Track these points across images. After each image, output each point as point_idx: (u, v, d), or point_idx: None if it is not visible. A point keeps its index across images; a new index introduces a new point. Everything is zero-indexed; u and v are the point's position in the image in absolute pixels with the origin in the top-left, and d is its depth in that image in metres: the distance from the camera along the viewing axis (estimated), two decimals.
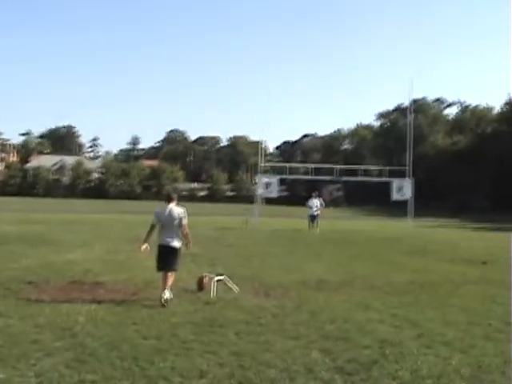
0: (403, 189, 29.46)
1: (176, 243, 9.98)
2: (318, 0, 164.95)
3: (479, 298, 10.90)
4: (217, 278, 11.10)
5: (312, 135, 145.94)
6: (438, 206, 54.13)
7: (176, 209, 10.07)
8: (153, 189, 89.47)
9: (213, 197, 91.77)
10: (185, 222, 10.01)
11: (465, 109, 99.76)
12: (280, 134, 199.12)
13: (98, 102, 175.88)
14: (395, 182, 29.70)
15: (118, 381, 5.85)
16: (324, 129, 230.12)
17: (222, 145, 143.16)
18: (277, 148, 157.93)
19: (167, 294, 9.53)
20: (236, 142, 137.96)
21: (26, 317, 8.43)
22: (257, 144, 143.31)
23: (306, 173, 34.65)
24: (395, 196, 29.64)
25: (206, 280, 11.21)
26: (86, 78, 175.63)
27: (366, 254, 18.37)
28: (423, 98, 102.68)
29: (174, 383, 5.84)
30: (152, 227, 10.09)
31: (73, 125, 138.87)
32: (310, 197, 28.93)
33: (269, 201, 36.85)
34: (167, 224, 9.95)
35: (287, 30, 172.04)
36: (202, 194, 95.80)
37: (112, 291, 10.89)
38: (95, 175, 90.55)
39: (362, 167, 30.72)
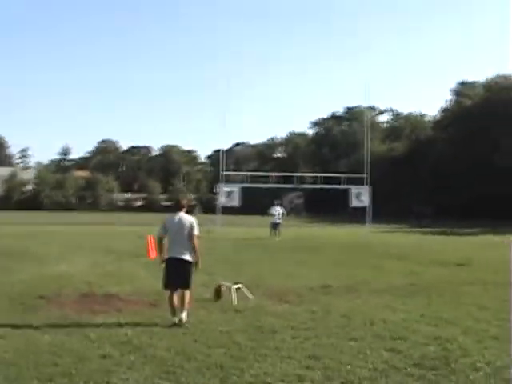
0: (361, 196, 30.21)
1: (188, 256, 8.97)
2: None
3: (487, 297, 11.45)
4: (235, 286, 11.21)
5: (244, 143, 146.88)
6: (382, 211, 55.60)
7: (186, 216, 9.16)
8: (88, 200, 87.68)
9: (149, 207, 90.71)
10: (196, 232, 9.03)
11: (396, 117, 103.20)
12: (211, 142, 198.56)
13: (27, 112, 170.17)
14: (353, 189, 30.43)
15: None
16: (256, 137, 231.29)
17: (153, 154, 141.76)
18: (208, 157, 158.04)
19: (183, 316, 8.79)
20: (168, 151, 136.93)
21: (72, 332, 8.26)
22: (189, 153, 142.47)
23: (266, 182, 35.15)
24: (354, 203, 30.40)
25: (223, 288, 11.30)
26: (13, 87, 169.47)
27: (348, 260, 18.84)
28: (357, 106, 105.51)
29: None
30: (160, 239, 9.24)
31: (1, 135, 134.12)
32: (272, 205, 29.24)
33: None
34: (177, 234, 8.98)
35: (217, 37, 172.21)
36: (139, 204, 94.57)
37: (131, 302, 10.82)
38: (29, 186, 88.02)
39: (322, 175, 31.20)
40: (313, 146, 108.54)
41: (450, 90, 72.06)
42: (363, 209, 32.33)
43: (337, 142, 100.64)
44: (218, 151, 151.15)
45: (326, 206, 63.27)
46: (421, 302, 10.86)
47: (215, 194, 30.72)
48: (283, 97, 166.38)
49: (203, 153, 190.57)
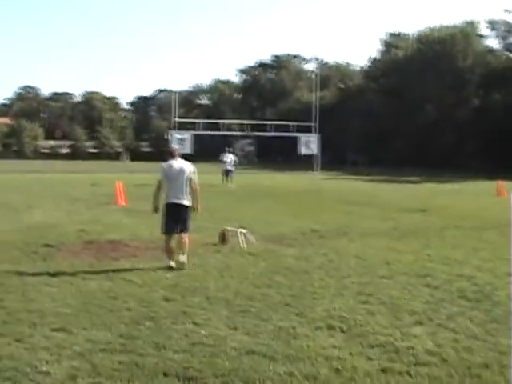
0: (310, 144, 30.84)
1: (187, 201, 9.16)
2: None
3: (474, 240, 12.33)
4: (240, 231, 11.58)
5: (167, 90, 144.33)
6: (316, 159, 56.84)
7: (185, 163, 9.31)
8: (13, 147, 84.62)
9: (75, 154, 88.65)
10: (195, 177, 9.26)
11: (324, 65, 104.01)
12: (133, 88, 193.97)
13: None
14: (302, 138, 30.99)
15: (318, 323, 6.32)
16: (179, 84, 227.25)
17: (76, 101, 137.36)
18: (130, 104, 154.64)
19: (184, 259, 9.00)
20: (90, 98, 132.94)
21: (112, 278, 8.35)
22: (111, 99, 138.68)
23: (217, 129, 35.03)
24: (303, 150, 30.99)
25: (227, 233, 11.66)
26: None
27: (316, 206, 19.51)
28: (286, 55, 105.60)
29: (357, 319, 6.39)
30: (159, 184, 9.32)
31: None
32: (223, 151, 29.40)
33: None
34: (175, 179, 9.11)
35: None
36: (64, 151, 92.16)
37: (140, 248, 10.96)
38: None
39: (273, 123, 31.54)
40: (239, 93, 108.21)
41: (381, 41, 73.20)
42: (310, 156, 32.99)
43: (264, 91, 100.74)
44: (140, 98, 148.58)
45: (276, 153, 63.83)
46: (418, 245, 11.59)
47: (167, 140, 30.34)
48: (208, 43, 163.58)
49: (125, 99, 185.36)
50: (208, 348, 5.44)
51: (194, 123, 32.15)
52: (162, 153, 71.62)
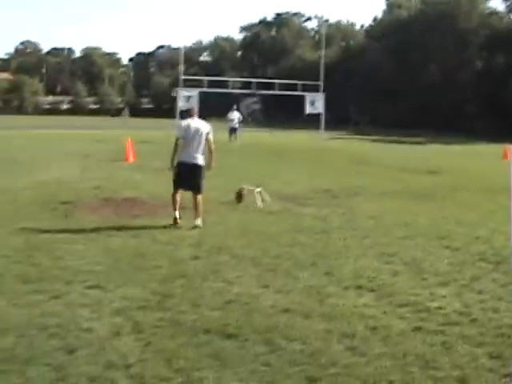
0: (315, 103, 30.73)
1: (201, 160, 9.19)
2: None
3: (486, 202, 12.46)
4: (257, 190, 11.68)
5: (167, 46, 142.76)
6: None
7: (201, 122, 9.34)
8: (14, 102, 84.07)
9: (76, 110, 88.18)
10: (211, 136, 9.29)
11: (325, 23, 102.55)
12: (133, 44, 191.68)
13: None
14: (308, 97, 30.86)
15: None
16: (180, 40, 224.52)
17: (75, 56, 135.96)
18: (130, 60, 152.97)
19: (199, 222, 9.02)
20: (90, 54, 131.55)
21: (137, 235, 8.44)
22: (111, 55, 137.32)
23: (223, 86, 34.79)
24: (309, 109, 30.93)
25: (244, 192, 11.76)
26: None
27: (325, 166, 19.65)
28: (286, 13, 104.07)
29: (384, 279, 6.55)
30: (177, 143, 9.26)
31: None
32: (230, 109, 29.33)
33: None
34: (194, 138, 9.08)
35: None
36: (65, 107, 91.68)
37: (158, 206, 10.96)
38: None
39: (279, 81, 31.33)
40: (240, 51, 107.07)
41: (386, 0, 72.17)
42: (314, 115, 32.88)
43: (265, 49, 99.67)
44: (140, 54, 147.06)
45: (282, 111, 63.49)
46: (432, 206, 11.73)
47: (174, 97, 30.16)
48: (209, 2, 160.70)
49: (125, 55, 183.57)
50: (243, 306, 5.57)
51: (201, 80, 31.79)
52: (163, 109, 71.58)
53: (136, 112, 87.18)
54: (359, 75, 64.01)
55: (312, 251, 7.75)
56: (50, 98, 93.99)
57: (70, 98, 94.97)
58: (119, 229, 8.87)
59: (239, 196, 11.68)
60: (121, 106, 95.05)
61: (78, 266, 6.82)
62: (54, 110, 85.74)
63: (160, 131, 33.93)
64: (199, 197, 9.20)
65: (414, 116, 56.48)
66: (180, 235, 8.56)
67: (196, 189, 9.21)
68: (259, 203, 11.21)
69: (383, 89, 60.33)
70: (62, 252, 7.46)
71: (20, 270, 6.63)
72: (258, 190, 11.70)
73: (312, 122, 37.42)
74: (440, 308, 5.61)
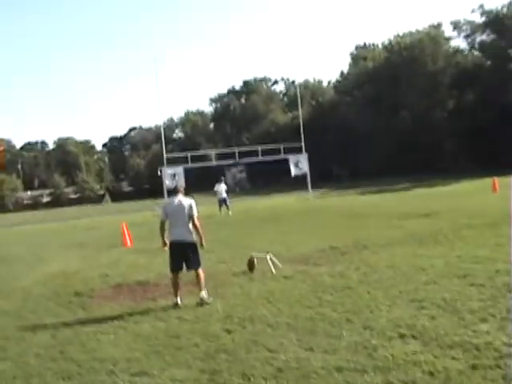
0: (299, 164, 31.16)
1: (191, 237, 9.21)
2: None
3: (491, 237, 12.60)
4: (268, 256, 11.73)
5: (139, 127, 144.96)
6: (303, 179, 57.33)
7: (185, 199, 9.36)
8: None
9: (57, 202, 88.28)
10: (195, 213, 9.21)
11: (292, 85, 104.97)
12: (105, 129, 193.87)
13: None
14: (291, 158, 31.30)
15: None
16: (151, 120, 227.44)
17: (49, 149, 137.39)
18: (104, 145, 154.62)
19: (204, 294, 9.04)
20: (63, 144, 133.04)
21: (162, 318, 8.41)
22: (85, 143, 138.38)
23: (208, 159, 35.23)
24: (294, 171, 31.28)
25: (255, 260, 11.79)
26: None
27: (322, 224, 19.72)
28: (254, 79, 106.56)
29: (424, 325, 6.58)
30: (162, 224, 9.41)
31: None
32: (216, 182, 29.68)
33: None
34: (177, 216, 9.18)
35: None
36: (46, 200, 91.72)
37: (170, 286, 10.93)
38: None
39: (261, 147, 31.85)
40: (213, 122, 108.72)
41: (350, 54, 74.38)
42: (298, 176, 33.27)
43: (237, 117, 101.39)
44: (113, 138, 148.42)
45: (268, 177, 64.04)
46: (442, 248, 11.85)
47: (159, 177, 30.40)
48: (177, 76, 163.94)
49: (99, 141, 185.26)
50: (295, 371, 5.57)
51: (184, 157, 32.23)
52: (143, 190, 71.80)
53: (117, 196, 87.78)
54: (334, 130, 65.26)
55: (342, 308, 7.78)
56: (29, 193, 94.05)
57: (48, 190, 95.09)
58: (142, 313, 8.83)
59: (251, 265, 11.70)
60: (101, 192, 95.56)
61: (114, 356, 6.76)
62: (34, 205, 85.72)
63: (147, 212, 34.13)
64: (199, 271, 9.21)
65: (392, 163, 57.39)
66: (206, 311, 8.54)
67: (193, 264, 9.23)
68: (273, 269, 11.24)
69: (359, 140, 61.44)
70: (93, 344, 7.40)
71: (57, 367, 6.57)
72: (269, 256, 11.73)
73: (298, 182, 37.89)
74: (489, 343, 5.65)
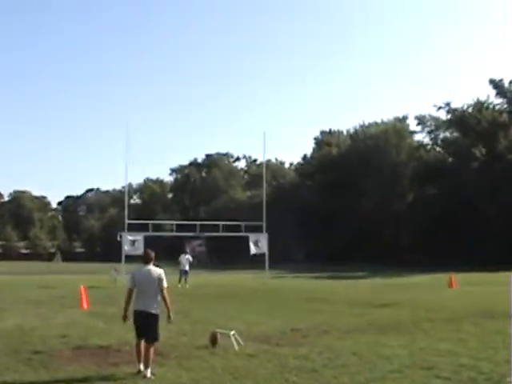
0: (259, 243, 31.43)
1: (155, 309, 9.00)
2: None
3: (452, 332, 12.94)
4: (231, 333, 11.74)
5: (96, 189, 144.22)
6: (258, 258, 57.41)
7: (155, 269, 9.12)
8: None
9: (7, 255, 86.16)
10: (164, 284, 9.06)
11: (253, 163, 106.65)
12: (61, 187, 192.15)
13: None
14: (252, 237, 31.57)
15: None
16: (109, 183, 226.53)
17: (3, 200, 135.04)
18: (59, 203, 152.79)
19: (148, 374, 8.70)
20: (18, 197, 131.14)
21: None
22: (40, 199, 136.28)
23: (169, 229, 35.35)
24: (253, 250, 31.47)
25: (218, 336, 11.79)
26: None
27: (281, 305, 19.73)
28: (216, 153, 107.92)
29: None
30: (129, 292, 9.10)
31: None
32: (182, 253, 29.84)
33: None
34: (145, 286, 8.96)
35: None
36: None
37: (132, 353, 10.79)
38: None
39: (222, 223, 32.12)
40: (171, 193, 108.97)
41: (314, 139, 76.28)
42: (256, 255, 33.53)
43: (196, 190, 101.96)
44: (69, 197, 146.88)
45: (227, 252, 63.91)
46: (404, 339, 12.01)
47: (119, 241, 30.18)
48: (139, 142, 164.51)
49: (54, 198, 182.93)
50: None
51: (145, 224, 32.24)
52: (95, 253, 70.75)
53: (68, 256, 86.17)
54: (293, 212, 65.93)
55: None
56: None
57: None
58: (106, 379, 8.71)
59: (214, 340, 11.68)
60: (52, 250, 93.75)
61: None
62: None
63: (101, 275, 33.70)
64: (151, 348, 8.92)
65: (348, 249, 58.16)
66: (172, 382, 8.50)
67: (151, 337, 8.94)
68: (236, 346, 11.24)
69: (318, 224, 62.27)
70: None
71: None
72: (232, 333, 11.73)
73: (256, 261, 38.13)
74: None
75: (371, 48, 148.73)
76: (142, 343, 9.09)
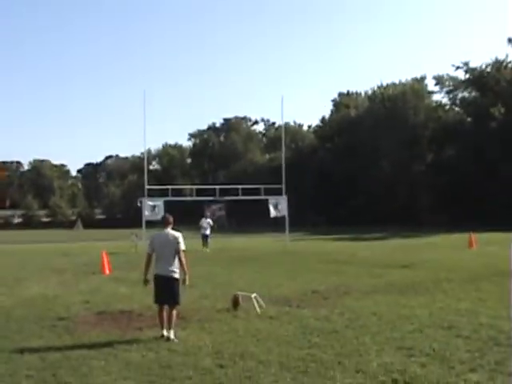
0: (279, 206, 31.42)
1: (175, 273, 9.08)
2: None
3: (470, 291, 12.96)
4: (253, 295, 11.84)
5: (115, 156, 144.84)
6: (280, 221, 57.48)
7: (173, 233, 9.23)
8: None
9: (28, 224, 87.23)
10: (182, 247, 9.10)
11: (272, 126, 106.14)
12: (81, 155, 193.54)
13: None
14: (271, 200, 31.56)
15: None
16: (127, 149, 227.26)
17: (24, 169, 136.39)
18: (79, 171, 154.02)
19: (171, 335, 8.88)
20: (38, 166, 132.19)
21: (153, 349, 8.46)
22: (60, 167, 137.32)
23: (189, 194, 35.59)
24: (273, 213, 31.48)
25: (240, 298, 11.90)
26: None
27: (303, 267, 19.84)
28: (234, 117, 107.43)
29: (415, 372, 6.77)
30: (149, 257, 9.28)
31: None
32: (202, 217, 29.93)
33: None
34: (164, 250, 9.07)
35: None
36: (16, 221, 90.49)
37: (155, 317, 10.89)
38: None
39: (241, 186, 32.08)
40: (190, 158, 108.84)
41: (332, 101, 75.49)
42: (276, 218, 33.56)
43: (215, 154, 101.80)
44: (89, 164, 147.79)
45: (247, 216, 64.17)
46: (424, 299, 12.09)
47: (140, 207, 30.35)
48: (157, 108, 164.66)
49: (74, 166, 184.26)
50: None
51: (165, 190, 32.30)
52: (116, 219, 71.24)
53: (89, 223, 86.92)
54: (312, 175, 65.82)
55: (332, 351, 7.93)
56: (0, 212, 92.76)
57: (20, 211, 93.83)
58: (130, 342, 8.85)
59: (236, 302, 11.79)
60: (73, 217, 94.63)
61: (107, 383, 6.83)
62: (4, 225, 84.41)
63: (122, 241, 34.00)
64: (174, 310, 9.09)
65: (368, 211, 57.99)
66: (195, 345, 8.60)
67: (172, 301, 9.08)
68: (257, 309, 11.35)
69: (337, 187, 62.10)
70: (85, 369, 7.44)
71: None
72: (254, 295, 11.83)
73: (275, 224, 38.19)
74: None
75: (387, 10, 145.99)
76: (165, 309, 9.26)
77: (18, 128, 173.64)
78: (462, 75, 59.60)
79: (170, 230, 9.27)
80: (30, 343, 8.93)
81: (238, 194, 32.26)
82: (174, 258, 9.06)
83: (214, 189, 32.13)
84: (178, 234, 9.18)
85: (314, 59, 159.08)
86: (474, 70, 57.68)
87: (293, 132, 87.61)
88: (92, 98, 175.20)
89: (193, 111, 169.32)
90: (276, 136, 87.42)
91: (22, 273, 19.73)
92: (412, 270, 17.62)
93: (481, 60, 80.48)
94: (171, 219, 9.43)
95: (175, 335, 9.01)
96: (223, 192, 32.50)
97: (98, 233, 61.75)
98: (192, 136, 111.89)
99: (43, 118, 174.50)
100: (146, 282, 9.38)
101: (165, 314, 9.24)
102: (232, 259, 23.84)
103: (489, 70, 56.76)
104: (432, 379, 6.43)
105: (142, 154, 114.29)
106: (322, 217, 61.86)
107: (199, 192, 35.35)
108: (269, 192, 31.99)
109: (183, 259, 9.09)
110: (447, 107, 63.47)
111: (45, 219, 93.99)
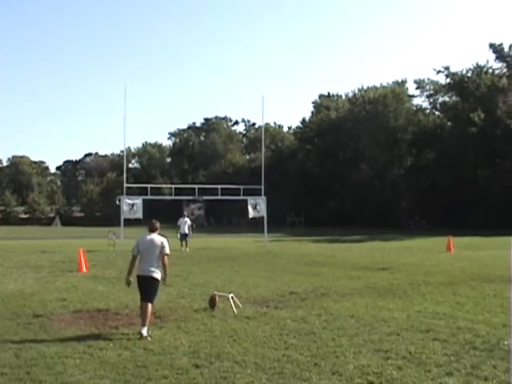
0: (257, 206, 31.46)
1: (156, 273, 9.46)
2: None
3: (450, 294, 13.05)
4: (230, 296, 11.81)
5: (95, 154, 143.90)
6: (259, 221, 57.47)
7: (158, 237, 9.64)
8: None
9: (6, 220, 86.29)
10: (167, 251, 9.53)
11: (252, 127, 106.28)
12: (60, 152, 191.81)
13: None
14: (250, 200, 31.59)
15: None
16: (107, 147, 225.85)
17: (2, 165, 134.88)
18: (57, 168, 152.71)
19: (145, 332, 9.05)
20: (17, 162, 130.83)
21: (130, 347, 8.40)
22: (39, 164, 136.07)
23: (169, 193, 35.46)
24: (252, 213, 31.52)
25: (217, 298, 11.86)
26: None
27: (281, 268, 19.79)
28: (215, 117, 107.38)
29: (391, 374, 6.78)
30: (133, 258, 9.64)
31: None
32: (180, 217, 29.78)
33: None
34: (148, 253, 9.45)
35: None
36: None
37: (132, 316, 10.88)
38: None
39: (221, 186, 32.06)
40: (170, 157, 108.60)
41: (313, 102, 75.68)
42: (259, 218, 33.59)
43: (195, 154, 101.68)
44: (68, 162, 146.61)
45: (225, 216, 64.10)
46: (402, 302, 12.14)
47: (118, 205, 30.15)
48: (138, 106, 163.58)
49: (54, 163, 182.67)
50: None
51: (144, 188, 32.21)
52: (94, 217, 70.72)
53: (67, 221, 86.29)
54: (292, 176, 65.94)
55: (309, 352, 7.92)
56: None
57: None
58: (106, 341, 8.79)
59: (213, 302, 11.76)
60: (51, 214, 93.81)
61: (82, 381, 6.75)
62: None
63: (100, 239, 33.77)
64: (149, 305, 9.30)
65: (347, 214, 58.25)
66: (171, 344, 8.56)
67: (146, 297, 9.38)
68: (234, 309, 11.32)
69: (316, 188, 62.25)
70: (59, 367, 7.36)
71: None
72: (231, 295, 11.80)
73: (254, 224, 38.15)
74: None
75: (369, 13, 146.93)
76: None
77: None
78: (442, 79, 60.15)
79: (155, 235, 9.65)
80: (5, 340, 8.82)
81: (217, 194, 32.23)
82: (157, 260, 9.44)
83: (194, 188, 32.07)
84: (163, 239, 9.58)
85: (296, 61, 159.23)
86: (454, 74, 58.16)
87: (273, 133, 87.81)
88: (72, 94, 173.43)
89: (173, 110, 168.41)
90: (256, 137, 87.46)
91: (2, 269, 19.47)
92: (390, 273, 17.67)
93: (462, 65, 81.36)
94: (158, 225, 9.86)
95: (148, 333, 9.04)
96: (202, 191, 32.45)
97: (76, 230, 61.28)
98: (172, 135, 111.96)
99: (22, 115, 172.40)
100: (128, 282, 9.66)
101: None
102: (210, 259, 23.77)
103: (469, 75, 57.25)
104: (408, 382, 6.45)
105: (122, 152, 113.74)
106: (300, 217, 61.96)
107: (178, 191, 35.21)
108: (248, 192, 32.00)
109: (166, 262, 9.48)
110: (427, 111, 63.95)
111: (23, 216, 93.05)
